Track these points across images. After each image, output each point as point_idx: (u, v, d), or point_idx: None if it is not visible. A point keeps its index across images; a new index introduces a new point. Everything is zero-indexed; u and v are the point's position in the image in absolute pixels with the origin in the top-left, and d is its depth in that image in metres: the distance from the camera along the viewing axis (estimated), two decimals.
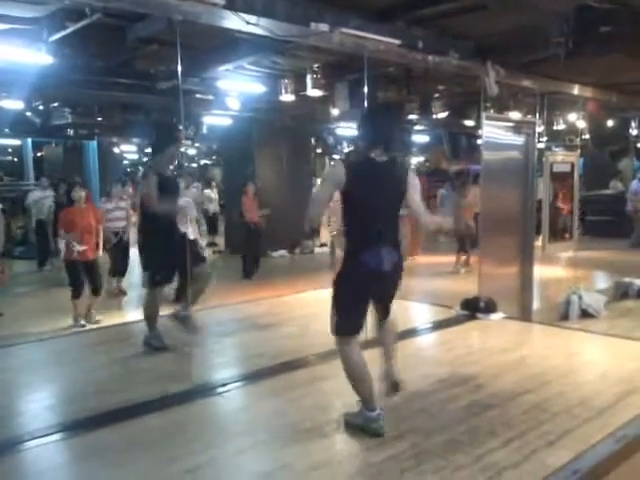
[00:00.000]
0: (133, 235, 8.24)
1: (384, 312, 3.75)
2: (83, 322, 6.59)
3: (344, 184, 3.40)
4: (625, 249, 12.44)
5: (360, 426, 3.58)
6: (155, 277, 5.40)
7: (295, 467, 3.21)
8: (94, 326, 6.59)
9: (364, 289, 3.52)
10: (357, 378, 3.56)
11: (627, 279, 7.84)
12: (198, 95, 10.05)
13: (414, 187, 3.59)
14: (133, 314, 6.99)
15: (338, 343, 3.61)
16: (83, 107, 11.14)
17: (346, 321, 3.53)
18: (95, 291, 6.79)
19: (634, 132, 15.24)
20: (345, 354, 3.56)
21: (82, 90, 9.24)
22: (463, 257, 10.24)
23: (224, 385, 4.53)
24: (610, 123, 14.94)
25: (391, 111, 4.01)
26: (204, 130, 13.93)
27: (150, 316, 5.49)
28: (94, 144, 17.46)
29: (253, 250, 9.97)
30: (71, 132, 15.35)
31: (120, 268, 8.52)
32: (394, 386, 3.81)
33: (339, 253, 8.13)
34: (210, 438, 3.60)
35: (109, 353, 5.51)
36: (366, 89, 6.43)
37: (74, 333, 6.32)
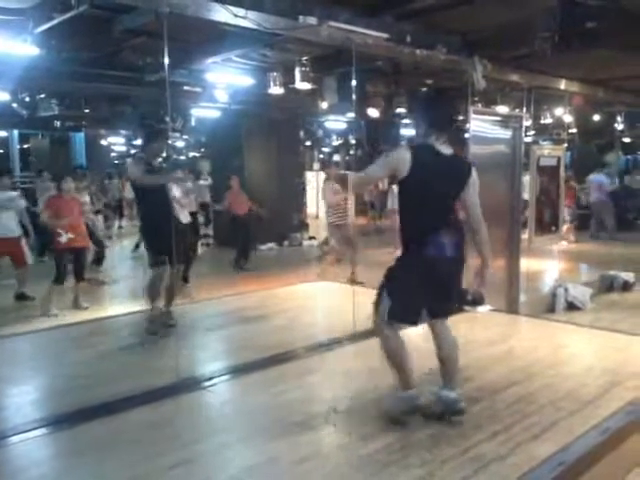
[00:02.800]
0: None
1: (440, 310, 3.61)
2: (55, 311, 6.63)
3: (407, 171, 3.33)
4: (610, 242, 12.53)
5: (403, 411, 3.53)
6: (155, 257, 5.63)
7: (281, 461, 3.22)
8: (79, 319, 6.54)
9: (422, 275, 3.42)
10: (398, 363, 3.53)
11: (612, 272, 7.91)
12: (186, 87, 9.99)
13: (474, 186, 3.52)
14: (118, 307, 6.97)
15: (380, 327, 3.52)
16: (70, 99, 11.04)
17: (400, 307, 3.45)
18: (79, 277, 6.98)
19: (620, 127, 15.36)
20: (386, 339, 3.50)
21: (69, 82, 9.19)
22: None
23: (211, 379, 4.53)
24: (596, 117, 15.04)
25: (454, 102, 3.88)
26: (192, 122, 13.86)
27: (151, 295, 5.68)
28: (81, 136, 17.35)
29: (242, 243, 9.96)
30: (58, 124, 15.25)
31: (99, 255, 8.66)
32: (456, 414, 3.62)
33: (333, 244, 8.20)
34: (196, 432, 3.60)
35: (94, 347, 5.47)
36: (354, 82, 6.44)
37: (58, 326, 6.25)
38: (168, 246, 5.35)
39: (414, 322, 3.55)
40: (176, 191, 8.30)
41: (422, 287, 3.44)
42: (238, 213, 9.86)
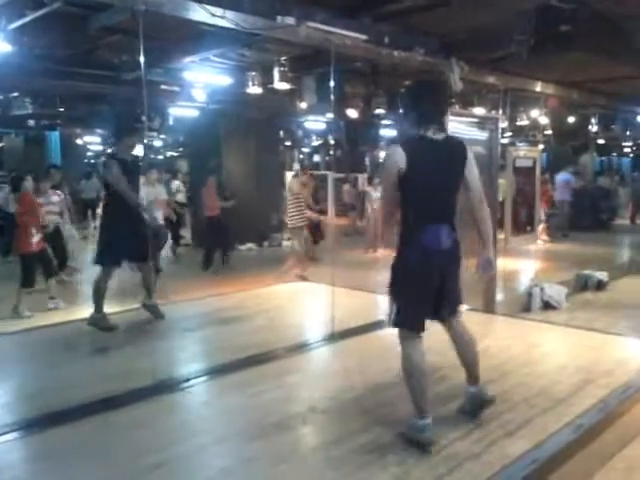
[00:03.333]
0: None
1: (446, 307, 3.49)
2: (28, 313, 6.56)
3: (405, 166, 3.23)
4: (585, 242, 12.72)
5: (409, 437, 3.36)
6: (110, 257, 5.72)
7: (259, 462, 3.22)
8: (50, 322, 6.44)
9: (425, 273, 3.31)
10: (414, 382, 3.34)
11: (587, 271, 8.03)
12: (164, 86, 9.93)
13: (472, 162, 3.42)
14: (88, 310, 6.87)
15: (399, 336, 3.40)
16: (44, 97, 10.91)
17: (405, 312, 3.35)
18: (50, 274, 6.99)
19: (594, 128, 15.61)
20: (405, 351, 3.37)
21: (43, 80, 9.06)
22: None
23: (188, 380, 4.49)
24: (571, 119, 15.26)
25: (440, 85, 3.75)
26: (170, 122, 13.76)
27: (97, 293, 5.74)
28: (56, 135, 17.13)
29: (217, 243, 9.94)
30: (32, 123, 15.04)
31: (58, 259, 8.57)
32: (485, 404, 3.67)
33: (296, 246, 8.22)
34: (173, 434, 3.58)
35: (68, 348, 5.41)
36: (333, 83, 6.45)
37: (31, 329, 6.14)
38: (127, 247, 5.61)
39: (422, 327, 3.38)
40: (152, 192, 8.30)
41: (423, 286, 3.35)
42: (211, 214, 9.85)
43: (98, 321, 5.77)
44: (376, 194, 12.01)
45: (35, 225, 6.72)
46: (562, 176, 13.91)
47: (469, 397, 3.69)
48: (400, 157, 3.24)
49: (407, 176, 3.26)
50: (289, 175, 17.57)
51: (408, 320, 3.35)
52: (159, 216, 8.23)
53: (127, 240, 5.63)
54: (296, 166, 21.73)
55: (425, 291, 3.36)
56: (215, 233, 9.84)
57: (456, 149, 3.43)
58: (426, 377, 3.41)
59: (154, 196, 8.25)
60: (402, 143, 3.31)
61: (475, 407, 3.67)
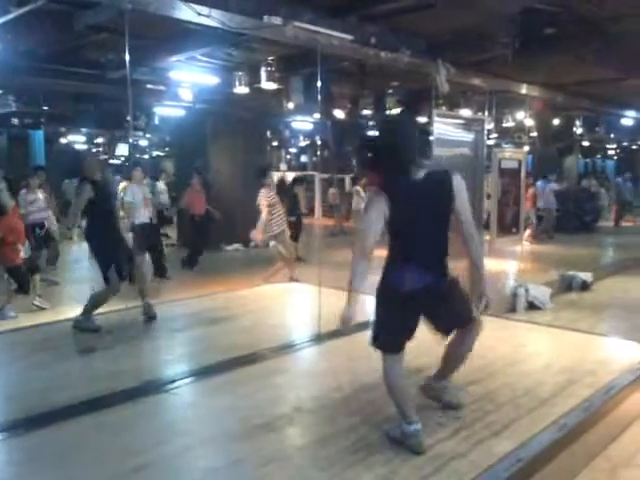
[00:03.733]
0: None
1: (443, 332, 3.51)
2: (13, 314, 6.50)
3: (389, 212, 3.20)
4: (569, 243, 12.83)
5: (398, 440, 3.39)
6: (111, 274, 5.73)
7: (245, 462, 3.21)
8: (35, 322, 6.35)
9: (393, 307, 3.34)
10: (396, 395, 3.43)
11: (571, 272, 8.10)
12: (149, 85, 9.87)
13: (461, 192, 3.28)
14: (78, 309, 6.82)
15: (383, 358, 3.46)
16: (28, 95, 10.81)
17: (380, 335, 3.40)
18: (34, 272, 7.02)
19: (578, 131, 15.75)
20: (384, 366, 3.43)
21: (27, 78, 8.96)
22: None
23: (174, 382, 4.47)
24: (556, 122, 15.39)
25: (411, 122, 3.59)
26: (156, 121, 13.70)
27: (97, 305, 5.76)
28: (40, 134, 16.96)
29: (198, 242, 9.95)
30: (16, 121, 14.88)
31: (51, 256, 8.53)
32: (451, 406, 3.78)
33: (281, 249, 8.18)
34: (158, 436, 3.56)
35: (52, 350, 5.34)
36: (320, 83, 6.46)
37: (16, 330, 6.08)
38: (122, 258, 5.77)
39: (394, 348, 3.42)
40: (138, 191, 8.25)
41: (393, 317, 3.37)
42: (196, 212, 9.83)
43: (84, 323, 5.75)
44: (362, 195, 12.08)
45: (20, 242, 6.69)
46: (541, 183, 13.90)
47: (450, 390, 3.76)
48: (382, 204, 3.21)
49: (391, 219, 3.24)
50: (276, 175, 17.68)
51: (381, 341, 3.40)
52: (146, 215, 8.19)
53: (119, 252, 5.83)
54: (283, 166, 21.74)
55: (395, 323, 3.37)
56: (199, 232, 9.84)
57: (439, 183, 3.29)
58: (404, 391, 3.45)
59: (142, 194, 8.22)
60: (384, 188, 3.27)
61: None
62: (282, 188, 9.27)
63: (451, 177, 3.29)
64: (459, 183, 3.29)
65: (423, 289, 3.27)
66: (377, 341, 3.41)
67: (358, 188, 12.54)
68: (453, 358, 3.65)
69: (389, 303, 3.36)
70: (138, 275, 6.15)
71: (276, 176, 16.93)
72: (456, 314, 3.46)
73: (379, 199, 3.24)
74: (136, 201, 7.95)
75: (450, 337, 3.54)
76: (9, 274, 6.62)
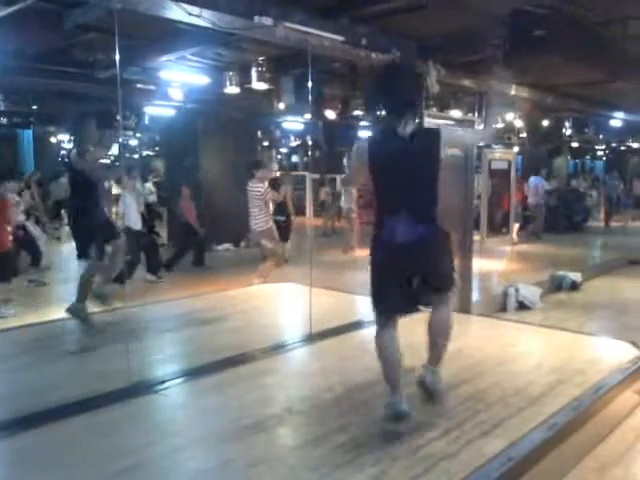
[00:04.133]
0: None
1: (428, 297, 3.51)
2: (12, 311, 6.47)
3: (367, 159, 3.34)
4: (559, 243, 12.89)
5: (387, 417, 3.45)
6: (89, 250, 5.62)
7: (235, 463, 3.20)
8: (24, 322, 6.30)
9: (385, 265, 3.40)
10: (382, 361, 3.50)
11: (561, 272, 8.15)
12: (139, 85, 9.83)
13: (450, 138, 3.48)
14: (56, 312, 6.77)
15: (376, 327, 3.54)
16: (17, 94, 10.74)
17: (375, 297, 3.46)
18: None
19: (568, 132, 15.84)
20: (377, 334, 3.50)
21: (16, 77, 8.90)
22: None
23: (163, 382, 4.44)
24: (546, 123, 15.47)
25: (409, 78, 3.70)
26: (146, 121, 13.65)
27: (84, 286, 5.68)
28: (29, 133, 16.87)
29: (190, 246, 10.00)
30: (4, 120, 14.80)
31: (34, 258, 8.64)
32: (430, 396, 3.65)
33: (271, 246, 8.17)
34: (147, 437, 3.53)
35: (40, 350, 5.29)
36: (310, 84, 6.46)
37: (2, 331, 6.00)
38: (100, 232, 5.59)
39: (389, 310, 3.47)
40: (130, 198, 8.28)
41: (385, 276, 3.41)
42: (188, 221, 9.92)
43: (79, 311, 5.71)
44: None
45: (7, 224, 6.61)
46: (533, 180, 14.04)
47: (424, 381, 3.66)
48: (362, 151, 3.41)
49: (371, 170, 3.38)
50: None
51: (376, 304, 3.48)
52: (139, 223, 8.25)
53: (98, 227, 5.66)
54: (274, 166, 21.71)
55: (389, 282, 3.41)
56: (190, 237, 9.89)
57: (427, 139, 3.40)
58: (394, 362, 3.49)
59: (136, 204, 8.32)
60: (368, 138, 3.44)
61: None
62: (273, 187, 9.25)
63: (439, 134, 3.40)
64: (449, 132, 3.51)
65: (416, 240, 3.31)
66: (373, 302, 3.47)
67: (352, 190, 12.53)
68: (435, 338, 3.60)
69: (383, 259, 3.40)
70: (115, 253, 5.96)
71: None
72: (442, 274, 3.49)
73: (362, 150, 3.43)
74: (131, 212, 8.05)
75: (430, 314, 3.56)
76: None
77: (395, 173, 3.35)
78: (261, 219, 7.93)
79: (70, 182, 5.85)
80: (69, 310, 5.72)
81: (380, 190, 3.43)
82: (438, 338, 3.59)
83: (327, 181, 17.19)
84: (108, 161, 6.85)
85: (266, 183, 8.06)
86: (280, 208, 9.53)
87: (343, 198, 12.46)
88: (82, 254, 5.71)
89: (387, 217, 3.37)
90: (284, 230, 9.76)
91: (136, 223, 8.15)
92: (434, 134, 3.42)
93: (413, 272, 3.41)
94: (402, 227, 3.31)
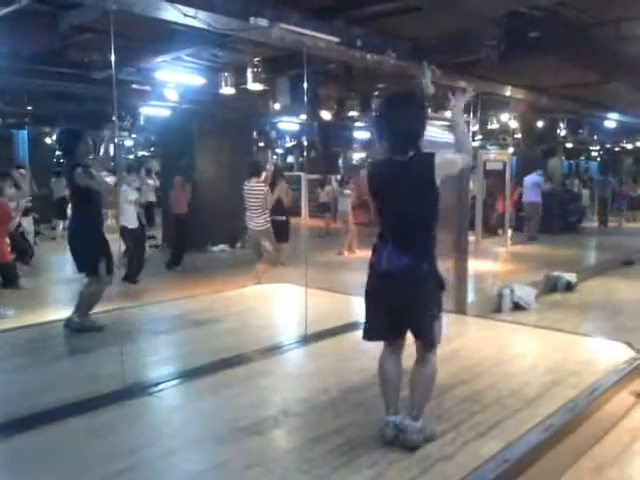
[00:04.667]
0: None
1: (414, 333, 3.37)
2: (11, 312, 6.51)
3: (367, 187, 3.41)
4: (554, 244, 12.93)
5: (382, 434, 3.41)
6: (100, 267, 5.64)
7: (230, 466, 3.19)
8: (18, 324, 6.27)
9: (371, 291, 3.37)
10: (380, 379, 3.49)
11: (556, 273, 8.17)
12: (135, 85, 9.82)
13: (444, 162, 3.22)
14: (61, 311, 6.76)
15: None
16: (12, 95, 10.71)
17: (367, 323, 3.44)
18: None
19: (562, 132, 15.89)
20: (381, 353, 3.49)
21: (11, 77, 8.87)
22: None
23: (157, 384, 4.43)
24: (540, 124, 15.52)
25: (408, 103, 3.45)
26: (141, 121, 13.63)
27: (92, 303, 5.71)
28: (24, 134, 16.83)
29: (181, 241, 9.99)
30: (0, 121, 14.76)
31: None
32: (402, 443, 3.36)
33: (267, 247, 8.17)
34: (141, 439, 3.52)
35: (35, 352, 5.26)
36: (306, 85, 6.46)
37: None
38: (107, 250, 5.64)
39: (378, 336, 3.43)
40: (132, 193, 8.27)
41: (375, 303, 3.37)
42: (178, 211, 9.93)
43: (86, 323, 5.70)
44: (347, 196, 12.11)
45: (7, 233, 6.67)
46: (530, 178, 14.05)
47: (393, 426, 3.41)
48: (367, 178, 3.45)
49: (369, 195, 3.41)
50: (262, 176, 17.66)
51: (367, 329, 3.44)
52: (135, 220, 8.26)
53: (107, 246, 5.75)
54: (269, 167, 21.70)
55: (374, 309, 3.37)
56: (183, 231, 9.89)
57: (423, 163, 3.24)
58: (385, 382, 3.46)
59: (134, 196, 8.32)
60: (370, 164, 3.41)
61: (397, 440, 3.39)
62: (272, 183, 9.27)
63: (433, 157, 3.22)
64: (441, 156, 3.23)
65: (399, 272, 3.22)
66: (364, 328, 3.44)
67: (348, 191, 12.54)
68: (414, 393, 3.41)
69: (370, 285, 3.36)
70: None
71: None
72: (420, 319, 3.30)
73: (366, 174, 3.52)
74: (130, 209, 8.07)
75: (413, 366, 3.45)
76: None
77: (387, 200, 3.32)
78: (261, 219, 7.97)
79: (74, 198, 5.80)
80: (78, 328, 5.67)
81: (377, 216, 3.41)
82: (417, 394, 3.40)
83: (328, 181, 17.20)
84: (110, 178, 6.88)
85: (266, 184, 8.11)
86: (277, 207, 9.53)
87: (339, 201, 12.48)
88: (85, 269, 5.69)
89: (379, 243, 3.33)
90: (283, 229, 9.79)
91: (132, 221, 8.10)
92: (428, 161, 3.24)
93: (393, 303, 3.31)
94: (388, 255, 3.24)
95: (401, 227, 3.27)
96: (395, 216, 3.29)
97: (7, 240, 6.64)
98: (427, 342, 3.34)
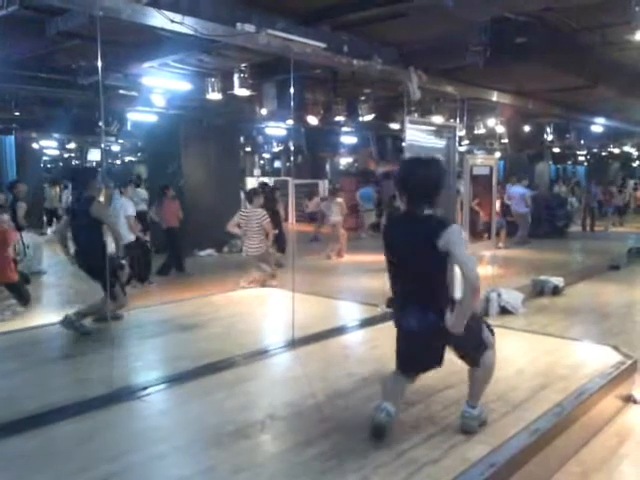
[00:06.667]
0: None
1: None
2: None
3: (385, 239, 3.52)
4: (541, 248, 13.00)
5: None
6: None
7: (217, 471, 3.17)
8: (3, 330, 6.22)
9: (400, 340, 3.57)
10: (382, 383, 3.77)
11: (543, 277, 8.20)
12: (122, 91, 9.80)
13: (453, 244, 3.18)
14: (50, 315, 6.72)
15: None
16: None
17: (398, 359, 3.63)
18: None
19: (549, 137, 16.00)
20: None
21: None
22: None
23: (145, 389, 4.39)
24: (527, 128, 15.61)
25: (427, 166, 3.50)
26: (128, 126, 13.58)
27: (94, 313, 5.96)
28: (11, 139, 16.75)
29: (173, 252, 9.96)
30: None
31: None
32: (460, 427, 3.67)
33: (264, 268, 8.17)
34: (128, 444, 3.50)
35: (22, 357, 5.22)
36: (293, 90, 6.49)
37: None
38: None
39: (405, 372, 3.63)
40: (130, 208, 8.27)
41: (403, 351, 3.59)
42: (169, 225, 9.88)
43: (76, 324, 5.85)
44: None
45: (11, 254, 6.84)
46: (516, 190, 13.78)
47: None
48: (383, 229, 3.66)
49: (385, 253, 3.50)
50: (249, 181, 17.63)
51: (397, 362, 3.63)
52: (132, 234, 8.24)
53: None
54: (256, 172, 21.72)
55: (407, 353, 3.59)
56: (177, 243, 9.85)
57: (431, 226, 3.28)
58: (387, 384, 3.65)
59: (133, 209, 8.33)
60: (387, 218, 3.57)
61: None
62: (267, 201, 9.23)
63: (445, 225, 3.25)
64: (452, 231, 3.23)
65: (423, 327, 3.38)
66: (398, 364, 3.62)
67: (339, 199, 12.55)
68: (471, 379, 3.73)
69: (398, 335, 3.57)
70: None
71: (250, 183, 16.97)
72: (462, 353, 3.60)
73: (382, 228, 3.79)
74: (131, 217, 8.10)
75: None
76: (9, 290, 6.94)
77: (395, 260, 3.47)
78: (256, 244, 8.04)
79: (86, 225, 5.94)
80: (71, 326, 5.81)
81: (391, 270, 3.54)
82: (474, 386, 3.71)
83: (316, 192, 17.16)
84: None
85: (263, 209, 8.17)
86: (273, 218, 9.52)
87: (333, 210, 12.37)
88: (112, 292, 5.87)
89: (398, 301, 3.53)
90: (279, 241, 9.79)
91: (127, 235, 8.05)
92: (438, 221, 3.30)
93: (425, 354, 3.57)
94: (413, 313, 3.39)
95: (415, 283, 3.41)
96: (398, 276, 3.47)
97: (12, 260, 6.80)
98: (474, 361, 3.63)
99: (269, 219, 8.14)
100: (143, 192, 14.18)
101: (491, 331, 3.76)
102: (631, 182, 25.15)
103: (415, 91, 7.30)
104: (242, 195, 13.80)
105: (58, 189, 18.47)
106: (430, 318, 3.34)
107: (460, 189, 7.87)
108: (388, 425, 3.46)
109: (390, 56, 7.22)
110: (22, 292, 7.14)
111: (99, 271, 5.64)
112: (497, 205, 10.00)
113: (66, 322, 5.80)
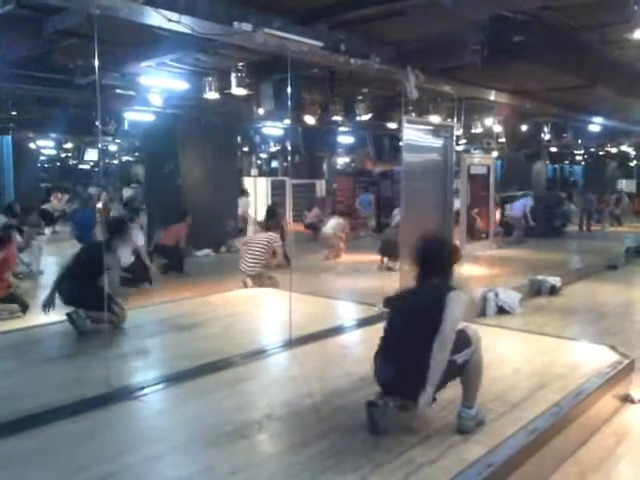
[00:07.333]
0: None
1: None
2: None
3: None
4: (539, 248, 13.02)
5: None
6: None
7: (215, 471, 3.16)
8: (3, 328, 6.24)
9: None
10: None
11: (540, 277, 8.21)
12: (119, 90, 9.78)
13: (450, 304, 3.42)
14: (40, 318, 6.69)
15: None
16: None
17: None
18: None
19: (546, 137, 16.01)
20: None
21: None
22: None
23: (142, 389, 4.37)
24: (524, 127, 15.62)
25: (439, 247, 3.85)
26: (126, 126, 13.57)
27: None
28: (8, 139, 16.73)
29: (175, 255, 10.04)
30: None
31: None
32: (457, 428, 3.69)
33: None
34: (125, 444, 3.49)
35: (20, 356, 5.21)
36: (290, 89, 6.47)
37: None
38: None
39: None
40: (141, 239, 8.33)
41: None
42: (164, 243, 9.99)
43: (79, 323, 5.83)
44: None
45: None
46: (518, 205, 14.14)
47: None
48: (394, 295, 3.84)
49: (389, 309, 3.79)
50: (246, 181, 17.59)
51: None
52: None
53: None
54: (253, 171, 21.70)
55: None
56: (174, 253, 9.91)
57: (434, 297, 3.51)
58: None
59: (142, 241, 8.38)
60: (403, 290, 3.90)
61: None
62: (272, 217, 9.22)
63: (448, 293, 3.48)
64: (454, 297, 3.47)
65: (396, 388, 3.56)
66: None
67: (342, 221, 12.49)
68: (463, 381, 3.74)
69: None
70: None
71: (247, 182, 16.94)
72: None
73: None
74: (142, 248, 8.23)
75: None
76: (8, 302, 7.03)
77: (400, 325, 3.62)
78: (256, 265, 8.06)
79: (88, 267, 5.86)
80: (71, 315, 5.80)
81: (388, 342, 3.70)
82: (468, 387, 3.71)
83: (318, 202, 17.01)
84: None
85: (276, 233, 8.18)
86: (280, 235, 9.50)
87: (334, 224, 12.25)
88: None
89: (380, 353, 3.73)
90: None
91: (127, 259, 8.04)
92: (442, 291, 3.51)
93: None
94: (390, 372, 3.59)
95: (410, 350, 3.52)
96: (399, 340, 3.59)
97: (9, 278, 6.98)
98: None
99: (281, 243, 8.17)
100: (135, 187, 14.27)
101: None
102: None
103: (412, 90, 7.29)
104: (241, 198, 13.85)
105: (60, 195, 18.85)
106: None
107: (458, 188, 7.88)
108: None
109: (387, 55, 7.22)
110: (20, 301, 7.14)
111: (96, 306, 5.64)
112: (497, 215, 9.99)
113: (74, 317, 5.75)
